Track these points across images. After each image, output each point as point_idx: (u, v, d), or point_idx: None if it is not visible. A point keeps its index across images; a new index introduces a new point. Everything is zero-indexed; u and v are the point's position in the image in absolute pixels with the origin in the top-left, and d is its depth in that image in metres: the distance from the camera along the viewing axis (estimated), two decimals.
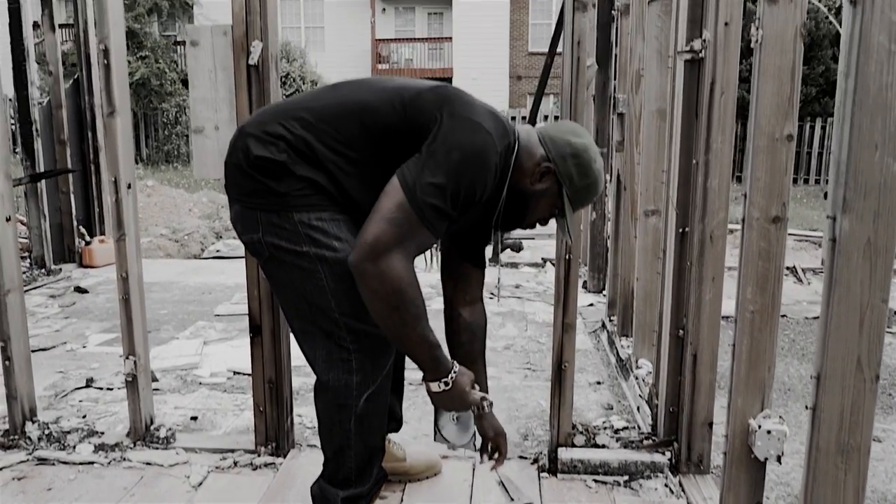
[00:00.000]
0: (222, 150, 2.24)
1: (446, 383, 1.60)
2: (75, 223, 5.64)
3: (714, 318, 2.15)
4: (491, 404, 1.78)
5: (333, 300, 1.60)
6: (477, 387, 1.71)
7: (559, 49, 3.74)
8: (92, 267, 5.61)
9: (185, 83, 17.59)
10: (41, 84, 5.67)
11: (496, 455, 1.87)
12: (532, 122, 6.09)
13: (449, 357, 1.65)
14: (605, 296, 4.75)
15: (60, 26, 5.48)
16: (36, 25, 6.05)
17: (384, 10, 22.09)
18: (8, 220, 2.42)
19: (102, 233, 5.86)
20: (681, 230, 2.18)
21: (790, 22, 1.56)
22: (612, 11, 3.95)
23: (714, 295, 2.12)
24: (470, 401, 1.67)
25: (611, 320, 3.90)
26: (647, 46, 2.86)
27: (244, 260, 2.27)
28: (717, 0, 1.95)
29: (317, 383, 1.71)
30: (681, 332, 2.21)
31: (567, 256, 2.18)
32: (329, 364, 1.66)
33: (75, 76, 5.64)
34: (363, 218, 1.51)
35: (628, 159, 3.44)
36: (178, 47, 19.47)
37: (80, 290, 4.87)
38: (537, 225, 1.77)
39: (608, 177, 3.98)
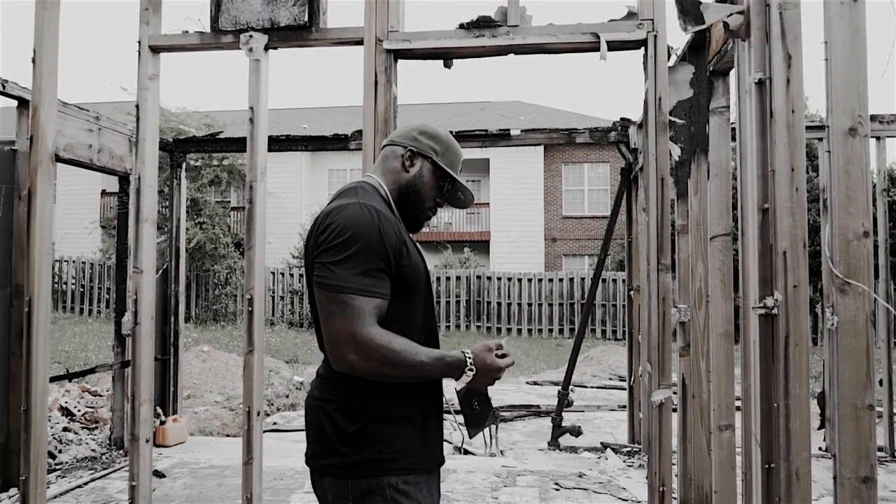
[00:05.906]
0: None
1: (470, 369, 1.69)
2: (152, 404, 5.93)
3: None
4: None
5: None
6: (494, 349, 1.73)
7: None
8: (164, 446, 5.83)
9: (237, 246, 18.61)
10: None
11: None
12: (596, 280, 6.19)
13: (452, 352, 1.70)
14: None
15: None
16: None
17: None
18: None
19: (175, 412, 6.13)
20: (766, 466, 2.35)
21: (860, 310, 1.84)
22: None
23: None
24: (500, 365, 1.71)
25: None
26: (711, 276, 3.17)
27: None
28: (784, 265, 2.26)
29: None
30: None
31: (661, 489, 2.36)
32: None
33: (164, 266, 6.18)
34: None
35: (695, 367, 3.66)
36: (233, 213, 20.80)
37: (157, 474, 5.05)
38: (437, 210, 1.94)
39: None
